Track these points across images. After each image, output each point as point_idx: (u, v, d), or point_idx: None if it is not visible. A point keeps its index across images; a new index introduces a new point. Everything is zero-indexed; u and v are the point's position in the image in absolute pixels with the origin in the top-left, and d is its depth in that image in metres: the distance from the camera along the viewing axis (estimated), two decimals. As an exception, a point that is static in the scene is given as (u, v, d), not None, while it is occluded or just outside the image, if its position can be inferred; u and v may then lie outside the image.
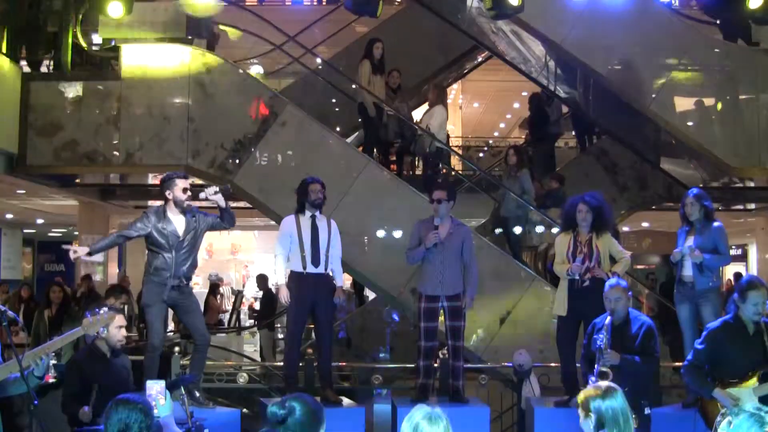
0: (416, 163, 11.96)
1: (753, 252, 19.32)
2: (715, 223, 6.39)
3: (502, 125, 25.26)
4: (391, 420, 6.78)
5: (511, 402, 8.10)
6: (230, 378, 8.51)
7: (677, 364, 7.03)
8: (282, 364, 8.00)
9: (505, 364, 7.87)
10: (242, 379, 8.43)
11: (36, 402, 3.87)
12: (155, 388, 3.98)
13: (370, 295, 13.03)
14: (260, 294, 14.39)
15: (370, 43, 10.08)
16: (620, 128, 11.77)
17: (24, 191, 12.19)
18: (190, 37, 9.39)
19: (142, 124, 8.98)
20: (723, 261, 6.45)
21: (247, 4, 13.46)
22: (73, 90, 9.08)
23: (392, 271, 8.58)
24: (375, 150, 10.19)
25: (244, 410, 7.10)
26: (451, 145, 17.88)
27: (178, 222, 6.11)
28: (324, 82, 11.30)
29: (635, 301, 11.17)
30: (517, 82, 15.39)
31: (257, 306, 15.12)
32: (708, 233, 6.32)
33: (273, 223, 9.31)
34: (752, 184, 12.35)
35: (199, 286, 14.80)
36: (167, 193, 6.12)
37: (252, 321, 15.21)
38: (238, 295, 16.31)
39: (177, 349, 7.42)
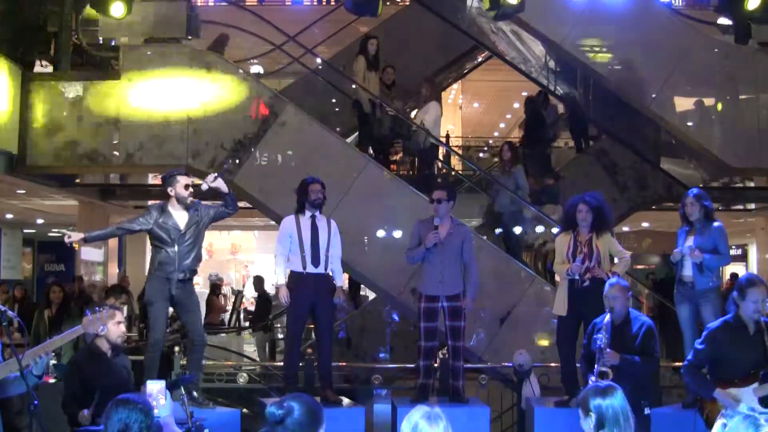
0: (415, 163, 11.95)
1: (753, 252, 19.33)
2: (715, 223, 6.39)
3: (502, 125, 25.27)
4: (391, 420, 6.78)
5: (511, 402, 8.10)
6: (230, 378, 8.51)
7: (677, 364, 7.02)
8: (282, 364, 8.00)
9: (505, 364, 7.87)
10: (242, 379, 8.43)
11: (36, 402, 3.87)
12: (155, 388, 3.98)
13: (370, 294, 13.03)
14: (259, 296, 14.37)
15: (364, 39, 10.06)
16: (620, 128, 11.78)
17: (24, 191, 12.19)
18: (190, 38, 9.39)
19: (142, 124, 8.98)
20: (723, 261, 6.45)
21: (247, 4, 13.46)
22: (73, 90, 9.08)
23: (392, 271, 8.58)
24: (371, 147, 10.15)
25: (244, 410, 7.10)
26: (451, 145, 17.93)
27: (179, 216, 6.17)
28: (324, 82, 11.30)
29: (635, 301, 11.19)
30: (517, 82, 15.40)
31: (253, 307, 15.10)
32: (708, 233, 6.32)
33: (273, 223, 9.32)
34: (752, 184, 12.36)
35: (199, 286, 14.79)
36: (169, 189, 6.20)
37: (247, 323, 15.19)
38: (238, 295, 16.31)
39: (177, 348, 7.42)
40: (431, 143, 10.10)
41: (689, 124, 9.56)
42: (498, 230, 9.59)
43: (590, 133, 12.44)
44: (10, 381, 4.25)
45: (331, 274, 6.63)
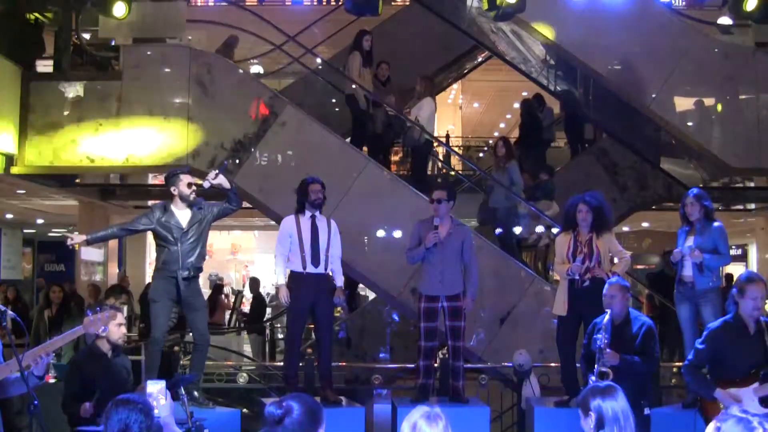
0: (409, 157, 11.90)
1: (753, 252, 19.31)
2: (715, 223, 6.39)
3: (502, 125, 25.27)
4: (391, 420, 6.77)
5: (511, 402, 8.10)
6: (230, 378, 8.51)
7: (677, 364, 7.03)
8: (282, 364, 8.00)
9: (505, 364, 7.87)
10: (242, 379, 8.43)
11: (36, 402, 3.87)
12: (155, 388, 3.98)
13: (370, 294, 13.03)
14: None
15: (359, 35, 10.03)
16: (620, 128, 11.78)
17: (24, 191, 12.18)
18: (190, 38, 9.39)
19: (142, 124, 8.98)
20: (723, 261, 6.45)
21: (247, 4, 13.46)
22: (73, 90, 9.08)
23: (392, 271, 8.58)
24: (366, 145, 10.10)
25: (244, 410, 7.10)
26: (451, 145, 17.94)
27: (182, 215, 6.19)
28: (324, 82, 11.30)
29: (635, 301, 11.20)
30: (517, 82, 15.40)
31: (247, 308, 15.10)
32: (708, 233, 6.32)
33: (273, 223, 9.32)
34: (752, 184, 12.36)
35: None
36: (172, 189, 6.23)
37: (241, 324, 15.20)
38: (238, 295, 16.31)
39: (177, 348, 7.42)
40: (426, 139, 10.09)
41: (689, 124, 9.55)
42: (498, 230, 9.56)
43: (586, 135, 12.43)
44: (10, 381, 4.25)
45: (331, 274, 6.63)
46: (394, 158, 13.46)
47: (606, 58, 9.52)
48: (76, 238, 6.13)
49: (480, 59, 13.44)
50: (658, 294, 10.50)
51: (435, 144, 13.19)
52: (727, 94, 9.50)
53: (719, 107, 9.53)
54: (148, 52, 9.25)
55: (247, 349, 13.22)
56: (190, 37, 9.68)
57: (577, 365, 6.30)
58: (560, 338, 6.53)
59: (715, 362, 5.20)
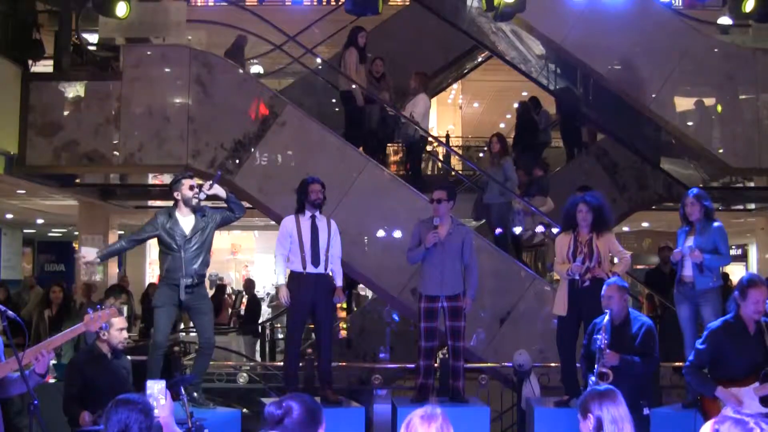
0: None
1: (753, 252, 19.31)
2: (715, 223, 6.39)
3: (502, 125, 25.22)
4: (391, 420, 6.78)
5: (511, 402, 8.09)
6: (230, 378, 8.51)
7: (677, 364, 7.02)
8: (282, 364, 8.00)
9: (505, 364, 7.87)
10: (242, 379, 8.43)
11: (36, 402, 3.86)
12: (155, 388, 3.97)
13: (370, 294, 13.02)
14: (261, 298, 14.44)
15: (354, 32, 10.00)
16: (620, 128, 11.77)
17: (24, 191, 12.19)
18: (190, 38, 9.39)
19: (142, 124, 8.98)
20: (723, 261, 6.45)
21: (247, 4, 13.45)
22: (73, 90, 9.09)
23: (392, 271, 8.58)
24: (360, 141, 10.06)
25: (244, 410, 7.10)
26: (451, 145, 17.94)
27: (186, 222, 6.21)
28: (324, 82, 11.30)
29: (635, 301, 11.20)
30: (517, 82, 15.39)
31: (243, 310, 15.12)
32: (708, 233, 6.32)
33: (273, 223, 9.31)
34: (752, 184, 12.36)
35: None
36: (176, 194, 6.25)
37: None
38: (238, 295, 16.32)
39: (177, 348, 7.42)
40: (421, 135, 10.08)
41: (689, 124, 9.56)
42: (496, 229, 9.54)
43: (583, 138, 12.41)
44: (12, 380, 4.25)
45: (331, 274, 6.63)
46: (394, 158, 13.48)
47: (606, 58, 9.52)
48: (88, 257, 6.22)
49: (480, 59, 13.44)
50: (652, 289, 10.51)
51: (435, 145, 13.24)
52: (727, 94, 9.50)
53: (719, 107, 9.53)
54: (148, 52, 9.25)
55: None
56: (190, 37, 9.66)
57: (577, 365, 6.30)
58: (560, 338, 6.53)
59: (715, 362, 5.20)
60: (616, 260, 6.63)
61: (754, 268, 18.33)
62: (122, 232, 14.26)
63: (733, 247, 18.79)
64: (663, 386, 7.63)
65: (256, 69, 12.48)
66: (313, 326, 7.04)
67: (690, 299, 6.38)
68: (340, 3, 11.09)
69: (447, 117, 23.43)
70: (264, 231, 19.14)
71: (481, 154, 18.90)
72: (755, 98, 9.40)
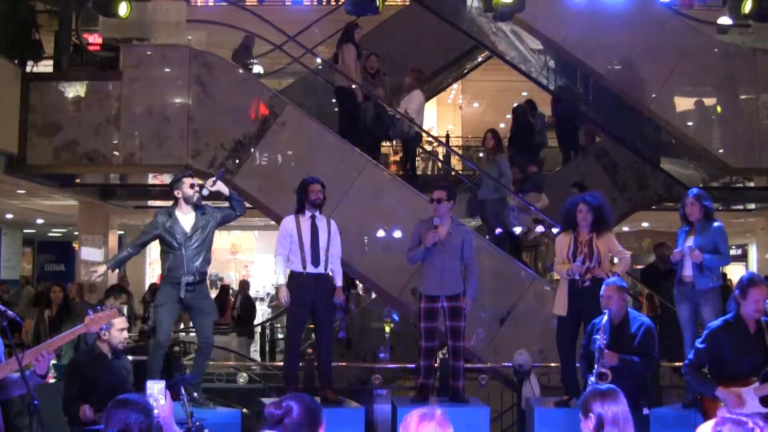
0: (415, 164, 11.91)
1: (753, 252, 19.32)
2: (715, 223, 6.39)
3: (502, 125, 25.21)
4: (391, 420, 6.77)
5: (511, 402, 8.09)
6: (230, 378, 8.51)
7: (677, 364, 7.03)
8: (282, 364, 7.99)
9: (505, 364, 7.87)
10: (242, 379, 8.42)
11: (36, 402, 3.86)
12: (155, 388, 3.97)
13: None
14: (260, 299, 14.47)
15: (350, 28, 9.98)
16: (620, 128, 11.77)
17: (24, 191, 12.19)
18: (190, 38, 9.39)
19: (142, 124, 8.98)
20: (723, 261, 6.44)
21: (247, 4, 13.46)
22: (73, 90, 9.08)
23: (392, 271, 8.58)
24: (355, 138, 10.03)
25: (244, 410, 7.10)
26: (451, 145, 17.93)
27: (186, 220, 6.22)
28: (323, 82, 11.30)
29: (635, 301, 11.20)
30: (516, 82, 15.39)
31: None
32: (708, 233, 6.32)
33: (273, 223, 9.32)
34: (752, 184, 12.36)
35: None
36: (176, 192, 6.27)
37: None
38: (238, 295, 16.33)
39: (177, 348, 7.41)
40: (416, 131, 10.08)
41: (689, 124, 9.56)
42: (493, 228, 9.53)
43: (579, 141, 12.40)
44: (12, 381, 4.25)
45: (331, 274, 6.63)
46: (394, 158, 13.49)
47: (606, 58, 9.53)
48: (99, 270, 6.33)
49: (480, 59, 13.44)
50: (647, 286, 10.51)
51: (435, 145, 13.24)
52: (727, 94, 9.51)
53: (719, 107, 9.53)
54: (148, 52, 9.25)
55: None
56: (190, 37, 9.66)
57: (577, 365, 6.30)
58: (560, 338, 6.52)
59: (715, 361, 5.20)
60: (616, 260, 6.62)
61: (754, 268, 18.33)
62: (122, 232, 14.28)
63: (733, 247, 18.81)
64: (663, 386, 7.63)
65: (256, 69, 12.47)
66: (313, 326, 7.04)
67: (690, 299, 6.38)
68: (340, 3, 11.10)
69: (447, 117, 23.42)
70: (264, 231, 19.15)
71: (480, 154, 18.88)
72: (755, 98, 9.40)
